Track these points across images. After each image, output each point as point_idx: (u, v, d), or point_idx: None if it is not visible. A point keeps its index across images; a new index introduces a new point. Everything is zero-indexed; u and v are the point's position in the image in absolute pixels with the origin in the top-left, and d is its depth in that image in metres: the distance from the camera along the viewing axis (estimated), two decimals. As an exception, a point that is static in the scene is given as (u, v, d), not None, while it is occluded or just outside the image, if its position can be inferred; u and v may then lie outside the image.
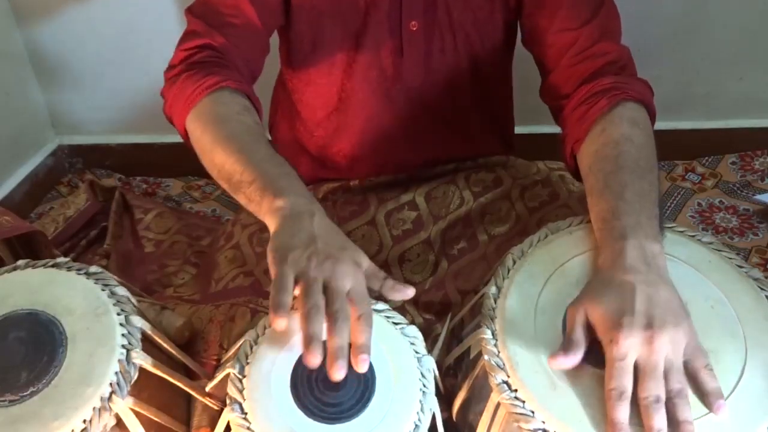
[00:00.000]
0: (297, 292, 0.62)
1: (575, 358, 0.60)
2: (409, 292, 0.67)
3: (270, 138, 1.12)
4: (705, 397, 0.59)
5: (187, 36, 0.87)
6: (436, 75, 0.95)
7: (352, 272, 0.64)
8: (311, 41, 0.93)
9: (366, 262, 0.67)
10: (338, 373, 0.58)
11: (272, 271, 0.63)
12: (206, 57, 0.84)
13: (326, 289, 0.62)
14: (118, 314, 0.66)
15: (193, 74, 0.82)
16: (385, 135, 1.00)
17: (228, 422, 0.61)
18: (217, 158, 0.75)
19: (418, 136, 1.00)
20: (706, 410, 0.59)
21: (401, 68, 0.94)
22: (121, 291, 0.69)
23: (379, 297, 0.69)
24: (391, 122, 0.99)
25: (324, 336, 0.60)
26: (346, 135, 1.00)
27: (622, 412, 0.57)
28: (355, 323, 0.61)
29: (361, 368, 0.59)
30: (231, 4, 0.86)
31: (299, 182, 0.73)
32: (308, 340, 0.59)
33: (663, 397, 0.58)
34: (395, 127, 0.99)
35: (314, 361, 0.58)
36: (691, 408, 0.58)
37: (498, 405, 0.62)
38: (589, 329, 0.63)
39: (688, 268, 0.69)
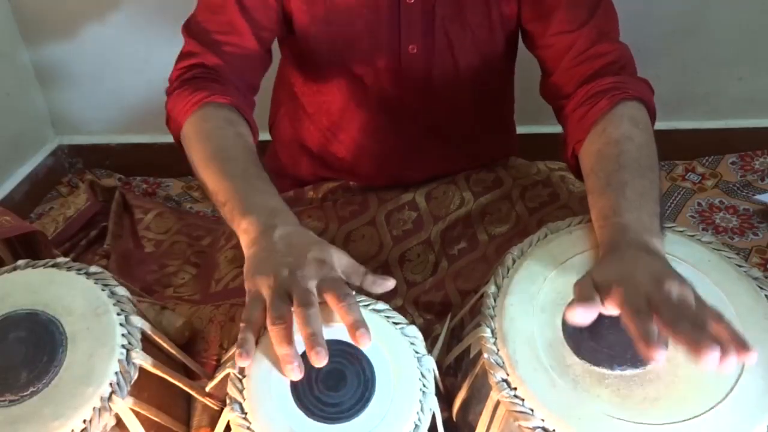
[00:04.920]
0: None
1: (592, 308, 0.59)
2: (389, 284, 0.66)
3: (270, 137, 1.13)
4: (732, 344, 0.54)
5: (182, 56, 0.89)
6: (437, 96, 0.96)
7: (315, 269, 0.63)
8: (311, 58, 0.93)
9: (340, 259, 0.66)
10: (319, 361, 0.57)
11: (246, 300, 0.64)
12: (198, 74, 0.86)
13: (291, 296, 0.61)
14: (118, 314, 0.66)
15: (183, 91, 0.84)
16: (386, 153, 1.01)
17: (228, 422, 0.61)
18: (201, 177, 0.78)
19: (420, 154, 1.01)
20: (704, 409, 0.58)
21: (401, 90, 0.94)
22: (121, 291, 0.69)
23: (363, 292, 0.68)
24: (393, 141, 1.00)
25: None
26: (349, 148, 1.01)
27: (649, 326, 0.55)
28: (338, 306, 0.60)
29: (364, 343, 0.59)
30: (224, 21, 0.87)
31: (268, 196, 0.73)
32: (282, 360, 0.59)
33: (683, 310, 0.56)
34: (397, 146, 1.00)
35: (293, 375, 0.58)
36: (687, 406, 0.58)
37: (497, 403, 0.62)
38: (591, 326, 0.62)
39: (687, 267, 0.69)
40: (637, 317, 0.56)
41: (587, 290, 0.61)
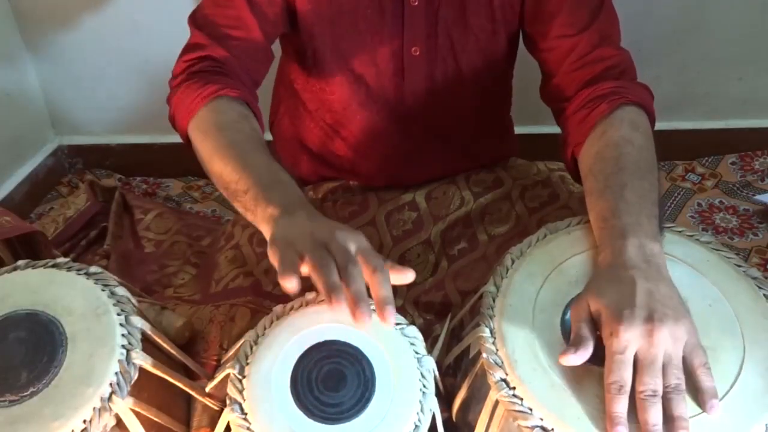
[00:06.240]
0: (305, 270, 0.62)
1: (585, 353, 0.60)
2: (409, 275, 0.65)
3: (271, 136, 1.13)
4: (699, 395, 0.59)
5: (188, 47, 0.88)
6: (439, 97, 0.96)
7: (353, 236, 0.64)
8: (314, 56, 0.93)
9: (365, 242, 0.66)
10: (389, 321, 0.59)
11: (275, 261, 0.63)
12: (206, 66, 0.85)
13: (330, 253, 0.62)
14: (118, 314, 0.66)
15: (193, 83, 0.83)
16: (387, 153, 1.00)
17: (228, 422, 0.62)
18: (216, 167, 0.76)
19: (421, 155, 1.01)
20: (703, 408, 0.59)
21: (402, 91, 0.95)
22: (121, 291, 0.69)
23: None
24: (394, 142, 0.99)
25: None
26: (350, 147, 1.01)
27: (621, 406, 0.58)
28: (372, 277, 0.61)
29: (390, 321, 0.60)
30: (232, 15, 0.86)
31: (293, 188, 0.73)
32: (330, 290, 0.59)
33: (660, 391, 0.58)
34: (397, 146, 1.00)
35: (338, 307, 0.58)
36: (687, 405, 0.58)
37: (496, 403, 0.62)
38: (592, 326, 0.63)
39: (686, 267, 0.70)
40: (616, 396, 0.58)
41: (583, 332, 0.62)
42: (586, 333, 0.62)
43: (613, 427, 0.57)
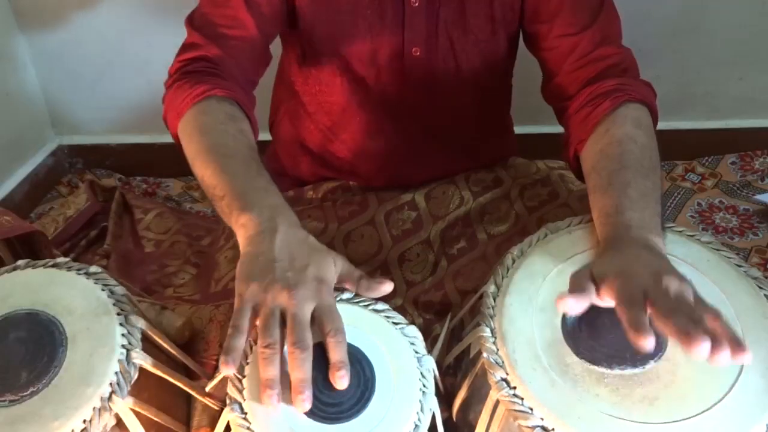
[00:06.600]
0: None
1: (584, 300, 0.60)
2: (386, 288, 0.66)
3: (270, 136, 1.13)
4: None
5: (184, 48, 0.88)
6: (439, 98, 0.96)
7: (312, 293, 0.62)
8: (314, 56, 0.93)
9: (335, 269, 0.66)
10: (303, 406, 0.57)
11: (235, 303, 0.62)
12: (199, 67, 0.85)
13: (286, 319, 0.60)
14: (118, 314, 0.66)
15: (184, 83, 0.83)
16: (387, 153, 1.01)
17: (228, 422, 0.62)
18: (198, 170, 0.76)
19: (421, 155, 1.01)
20: (704, 408, 0.59)
21: (403, 91, 0.95)
22: (121, 291, 0.69)
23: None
24: (394, 142, 1.00)
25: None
26: (349, 148, 1.01)
27: (637, 313, 0.56)
28: (328, 340, 0.60)
29: (341, 384, 0.59)
30: (229, 15, 0.86)
31: (269, 193, 0.72)
32: (264, 385, 0.57)
33: (683, 308, 0.57)
34: (397, 146, 1.00)
35: (270, 401, 0.57)
36: (686, 405, 0.58)
37: (497, 402, 0.62)
38: (590, 325, 0.63)
39: (686, 267, 0.70)
40: (629, 307, 0.57)
41: (581, 281, 0.62)
42: (585, 282, 0.61)
43: (639, 335, 0.54)
